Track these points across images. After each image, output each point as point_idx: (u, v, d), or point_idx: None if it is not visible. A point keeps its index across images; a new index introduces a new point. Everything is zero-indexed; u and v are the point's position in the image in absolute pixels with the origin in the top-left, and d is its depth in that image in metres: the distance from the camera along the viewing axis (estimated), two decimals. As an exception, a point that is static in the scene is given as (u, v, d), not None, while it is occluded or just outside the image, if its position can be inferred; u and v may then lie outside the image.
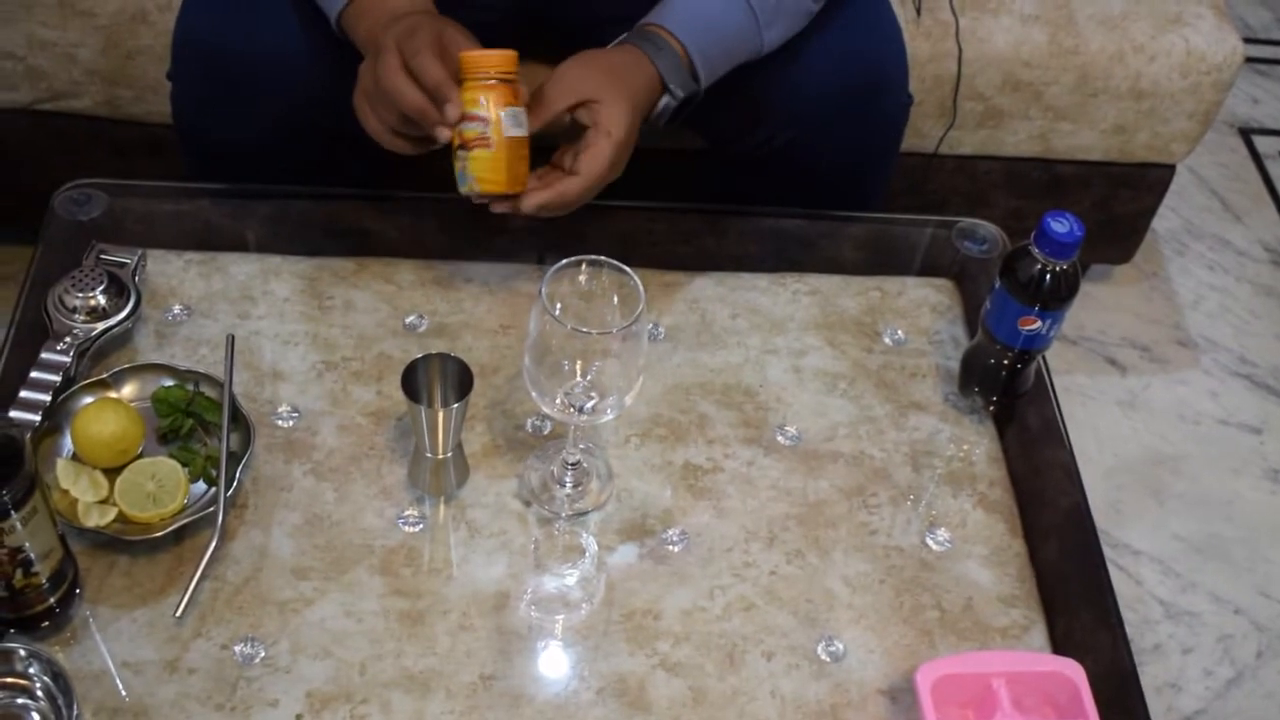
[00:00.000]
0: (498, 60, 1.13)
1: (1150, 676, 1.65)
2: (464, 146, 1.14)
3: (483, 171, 1.14)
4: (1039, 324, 1.16)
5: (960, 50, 1.70)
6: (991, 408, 1.25)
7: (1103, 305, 2.12)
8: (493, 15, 1.37)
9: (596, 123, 1.17)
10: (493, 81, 1.13)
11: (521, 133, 1.15)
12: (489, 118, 1.13)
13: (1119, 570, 1.76)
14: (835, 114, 1.32)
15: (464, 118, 1.13)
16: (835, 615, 1.09)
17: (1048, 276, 1.13)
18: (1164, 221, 2.27)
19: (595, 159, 1.16)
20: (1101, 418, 1.96)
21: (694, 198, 1.42)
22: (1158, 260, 2.22)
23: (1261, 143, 2.46)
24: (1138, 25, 1.75)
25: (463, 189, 1.16)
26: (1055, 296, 1.14)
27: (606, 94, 1.17)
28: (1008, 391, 1.23)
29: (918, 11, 1.70)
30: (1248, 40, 1.85)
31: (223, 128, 1.34)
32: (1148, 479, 1.89)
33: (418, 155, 1.19)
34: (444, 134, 1.13)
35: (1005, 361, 1.20)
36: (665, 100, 1.23)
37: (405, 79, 1.12)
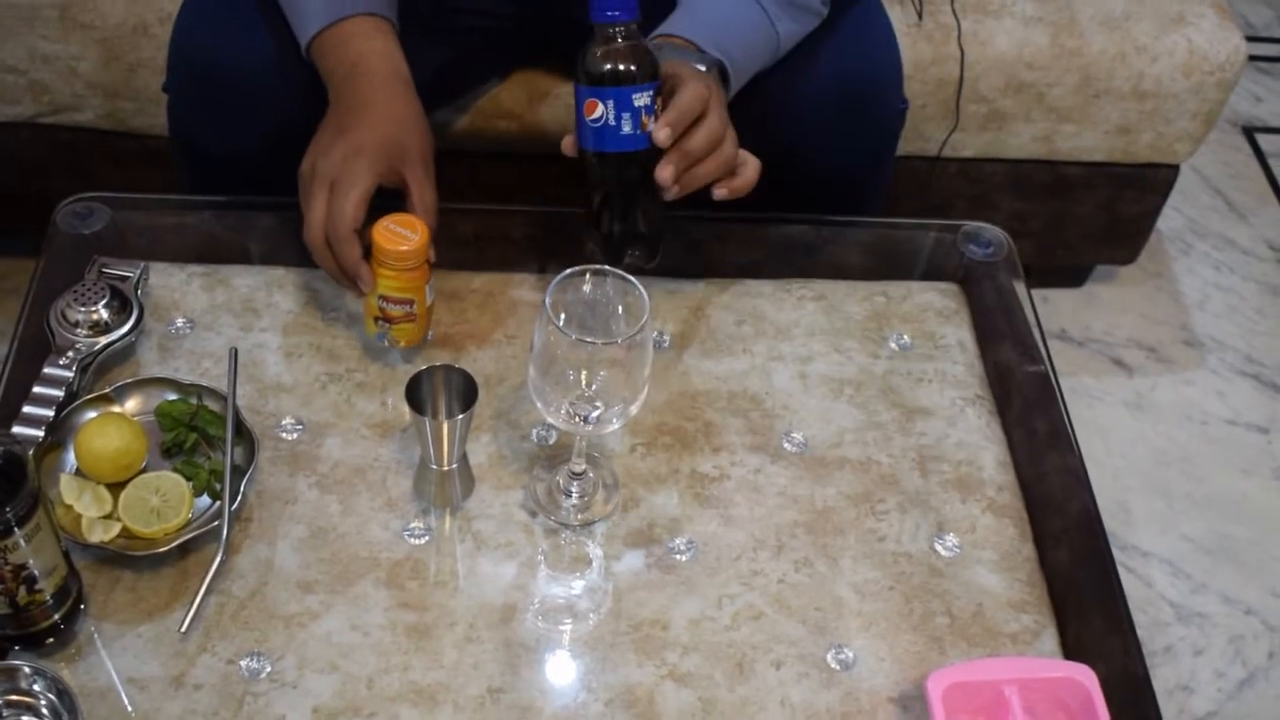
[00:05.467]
0: (420, 247, 1.13)
1: (1162, 679, 1.64)
2: (388, 320, 1.18)
3: (406, 337, 1.20)
4: (601, 109, 0.99)
5: (962, 53, 1.69)
6: (635, 261, 1.12)
7: (1108, 306, 2.12)
8: (490, 22, 1.36)
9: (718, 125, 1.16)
10: (416, 268, 1.15)
11: (433, 296, 1.19)
12: (414, 299, 1.17)
13: (1129, 572, 1.75)
14: (828, 121, 1.31)
15: (387, 299, 1.16)
16: (844, 623, 1.09)
17: (603, 48, 0.99)
18: (1168, 221, 2.26)
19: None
20: (1109, 419, 1.95)
21: (691, 205, 1.41)
22: (1163, 260, 2.21)
23: (1265, 141, 2.46)
24: (1140, 25, 1.74)
25: (380, 342, 1.21)
26: (614, 74, 0.96)
27: (713, 109, 1.16)
28: (639, 236, 1.07)
29: (919, 15, 1.70)
30: (1250, 39, 1.85)
31: (218, 139, 1.34)
32: (1156, 480, 1.88)
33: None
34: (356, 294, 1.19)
35: (604, 183, 1.02)
36: None
37: (327, 248, 1.15)
